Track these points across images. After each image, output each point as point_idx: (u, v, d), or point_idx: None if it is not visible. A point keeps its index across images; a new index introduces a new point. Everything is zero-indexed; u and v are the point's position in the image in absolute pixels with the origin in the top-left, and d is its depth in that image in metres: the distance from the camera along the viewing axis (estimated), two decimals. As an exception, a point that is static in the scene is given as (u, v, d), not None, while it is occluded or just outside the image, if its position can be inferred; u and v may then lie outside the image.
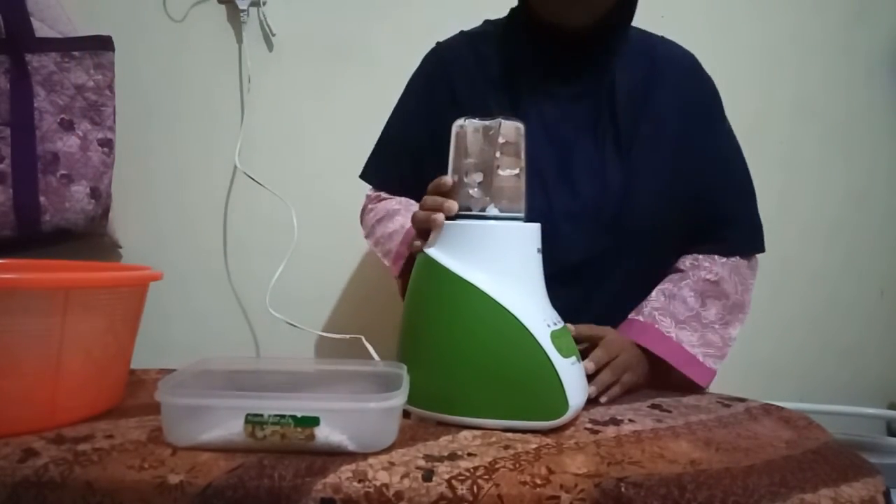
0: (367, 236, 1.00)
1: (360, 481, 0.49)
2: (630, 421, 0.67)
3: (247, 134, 1.27)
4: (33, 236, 1.11)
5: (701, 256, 0.90)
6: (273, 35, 1.28)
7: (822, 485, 0.51)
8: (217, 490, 0.48)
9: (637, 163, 0.86)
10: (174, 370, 0.62)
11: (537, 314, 0.63)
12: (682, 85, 0.90)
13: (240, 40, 1.27)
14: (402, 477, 0.50)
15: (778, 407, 0.76)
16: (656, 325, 0.85)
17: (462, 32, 0.97)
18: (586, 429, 0.63)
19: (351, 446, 0.54)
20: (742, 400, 0.79)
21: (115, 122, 1.16)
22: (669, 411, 0.72)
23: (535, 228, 0.67)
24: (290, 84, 1.29)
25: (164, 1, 1.26)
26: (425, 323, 0.66)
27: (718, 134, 0.93)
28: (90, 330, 0.60)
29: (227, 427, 0.54)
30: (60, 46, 1.12)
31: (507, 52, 0.90)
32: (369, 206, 1.00)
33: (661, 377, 0.83)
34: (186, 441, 0.54)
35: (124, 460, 0.51)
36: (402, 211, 0.92)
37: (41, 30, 1.12)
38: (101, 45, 1.14)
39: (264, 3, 1.26)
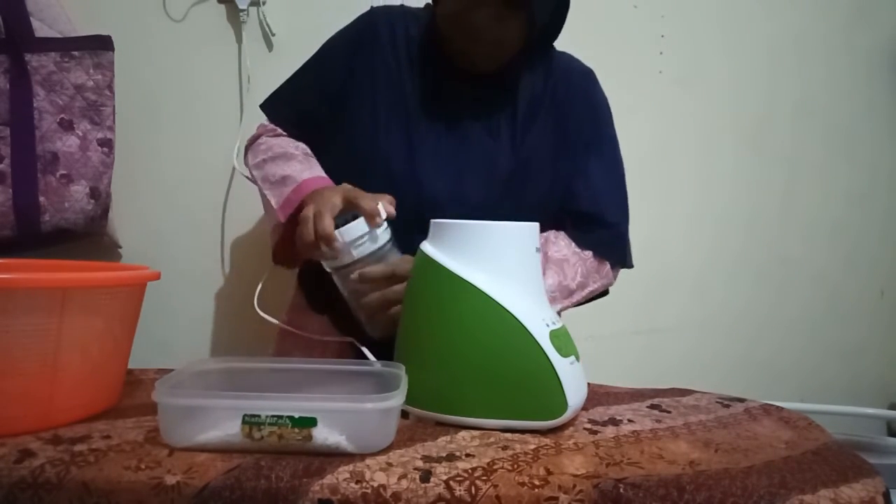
0: (252, 167, 0.96)
1: (357, 482, 0.49)
2: (629, 421, 0.67)
3: (247, 134, 1.26)
4: (33, 236, 1.10)
5: (562, 234, 0.93)
6: (273, 35, 1.27)
7: (822, 486, 0.51)
8: (214, 491, 0.48)
9: (527, 152, 0.91)
10: (172, 370, 0.62)
11: (536, 314, 0.63)
12: (577, 90, 0.97)
13: (239, 40, 1.27)
14: (400, 478, 0.50)
15: (777, 407, 0.76)
16: None
17: (402, 6, 1.00)
18: (585, 429, 0.63)
19: (349, 447, 0.54)
20: (741, 400, 0.79)
21: (114, 122, 1.15)
22: (668, 412, 0.72)
23: (534, 228, 0.67)
24: (290, 84, 1.28)
25: (164, 1, 1.26)
26: (424, 323, 0.66)
27: (603, 137, 0.99)
28: (88, 329, 0.60)
29: (225, 428, 0.53)
30: (60, 46, 1.12)
31: (427, 44, 0.94)
32: (263, 137, 0.98)
33: None
34: (183, 441, 0.54)
35: (121, 461, 0.51)
36: (299, 157, 0.90)
37: (41, 30, 1.12)
38: (100, 45, 1.14)
39: (264, 3, 1.26)
